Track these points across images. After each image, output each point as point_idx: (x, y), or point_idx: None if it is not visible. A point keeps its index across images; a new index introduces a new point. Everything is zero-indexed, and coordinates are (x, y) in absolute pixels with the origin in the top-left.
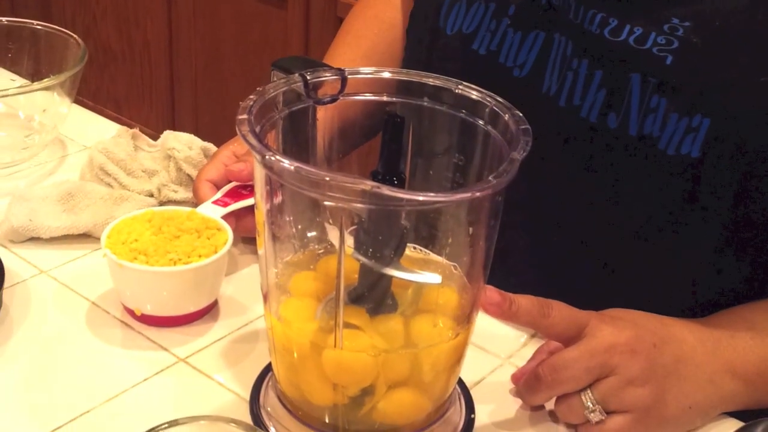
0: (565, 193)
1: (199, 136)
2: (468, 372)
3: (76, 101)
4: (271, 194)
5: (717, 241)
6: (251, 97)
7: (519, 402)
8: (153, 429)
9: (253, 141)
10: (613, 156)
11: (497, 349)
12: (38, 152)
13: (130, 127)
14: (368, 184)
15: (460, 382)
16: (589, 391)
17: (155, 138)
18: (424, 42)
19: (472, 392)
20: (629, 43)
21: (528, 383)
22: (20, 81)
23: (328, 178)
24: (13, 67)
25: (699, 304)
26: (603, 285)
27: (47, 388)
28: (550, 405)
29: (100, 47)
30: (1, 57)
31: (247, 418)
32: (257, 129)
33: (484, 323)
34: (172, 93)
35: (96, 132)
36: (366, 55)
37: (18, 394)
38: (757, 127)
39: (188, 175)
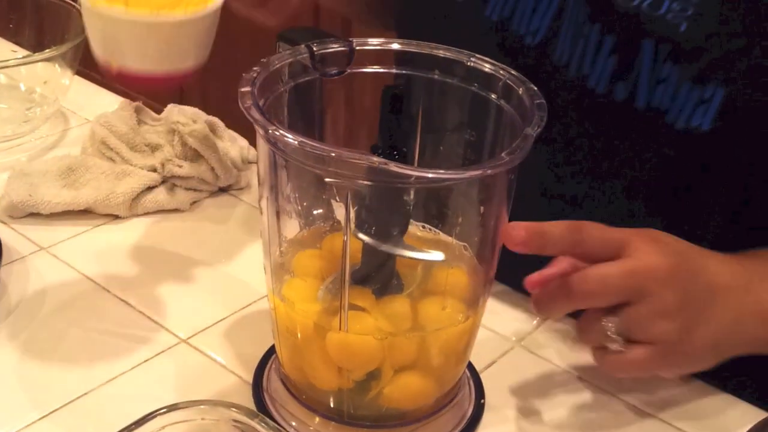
0: (570, 168)
1: (206, 111)
2: (478, 355)
3: (84, 74)
4: (275, 170)
5: (724, 218)
6: (255, 68)
7: (531, 386)
8: (151, 413)
9: (257, 115)
10: (619, 129)
11: (508, 332)
12: (39, 125)
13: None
14: (375, 161)
15: (470, 366)
16: (613, 318)
17: (161, 112)
18: (431, 7)
19: (482, 376)
20: (643, 8)
21: (551, 291)
22: (22, 52)
23: (333, 154)
24: (15, 38)
25: None
26: None
27: (45, 368)
28: (565, 386)
29: None
30: (3, 28)
31: (250, 402)
32: (261, 102)
33: (495, 305)
34: None
35: (99, 105)
36: None
37: (15, 375)
38: None
39: (194, 150)
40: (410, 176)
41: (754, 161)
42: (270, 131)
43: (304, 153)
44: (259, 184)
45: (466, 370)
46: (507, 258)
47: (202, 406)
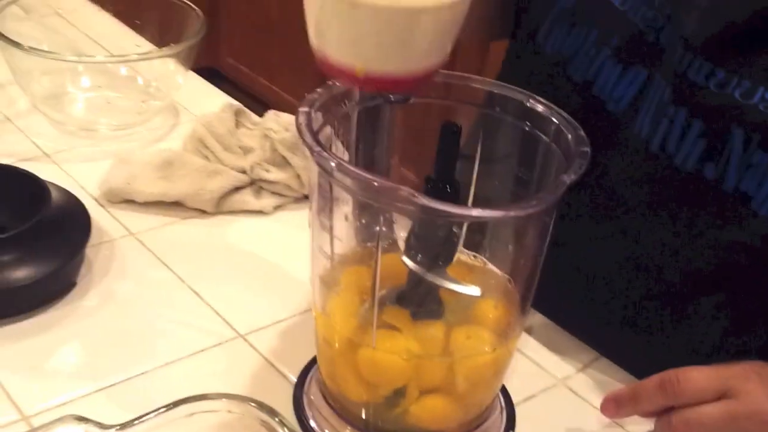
0: (634, 235)
1: None
2: (517, 387)
3: (231, 67)
4: (325, 188)
5: None
6: (318, 90)
7: (565, 425)
8: (181, 400)
9: (306, 135)
10: (702, 208)
11: (554, 369)
12: (151, 118)
13: (280, 99)
14: (405, 192)
15: (506, 396)
16: None
17: (263, 116)
18: (522, 58)
19: (517, 408)
20: (734, 96)
21: (661, 425)
22: (145, 47)
23: (367, 181)
24: (141, 33)
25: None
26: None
27: (110, 345)
28: (600, 430)
29: (262, 16)
30: (130, 23)
31: (290, 402)
32: (323, 122)
33: (545, 339)
34: None
35: (211, 104)
36: None
37: (81, 348)
38: None
39: (282, 156)
40: (436, 210)
41: None
42: (315, 152)
43: (346, 176)
44: (309, 200)
45: (501, 399)
46: (556, 294)
47: (226, 399)
